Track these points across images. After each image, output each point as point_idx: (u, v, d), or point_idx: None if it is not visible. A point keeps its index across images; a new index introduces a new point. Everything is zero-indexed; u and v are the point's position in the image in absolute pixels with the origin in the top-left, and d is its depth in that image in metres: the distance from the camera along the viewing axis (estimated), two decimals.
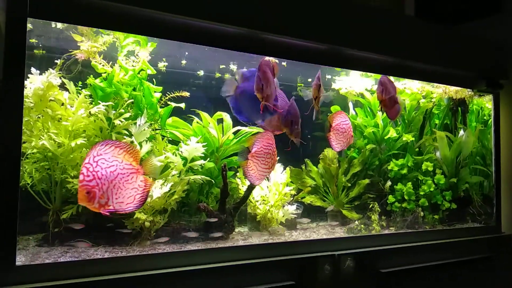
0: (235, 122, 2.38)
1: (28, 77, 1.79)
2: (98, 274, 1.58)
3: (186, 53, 2.40)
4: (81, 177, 1.49)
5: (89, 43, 1.98)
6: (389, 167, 2.79)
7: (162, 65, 2.30)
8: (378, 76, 2.81)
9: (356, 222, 2.50)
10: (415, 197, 2.70)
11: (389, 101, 2.43)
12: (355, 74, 2.85)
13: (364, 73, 2.81)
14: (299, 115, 2.16)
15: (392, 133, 2.89)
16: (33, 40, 1.99)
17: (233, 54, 2.31)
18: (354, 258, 2.16)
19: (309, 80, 2.83)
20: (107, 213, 1.50)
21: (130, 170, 1.57)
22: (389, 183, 2.74)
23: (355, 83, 2.86)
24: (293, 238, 2.29)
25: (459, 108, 3.18)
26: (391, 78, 2.53)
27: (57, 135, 1.85)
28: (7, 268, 1.45)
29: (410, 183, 2.71)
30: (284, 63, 2.43)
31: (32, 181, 1.84)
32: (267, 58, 2.01)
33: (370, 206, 2.59)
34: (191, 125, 2.33)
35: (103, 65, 2.03)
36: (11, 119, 1.48)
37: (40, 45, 2.03)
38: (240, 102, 1.96)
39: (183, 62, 2.42)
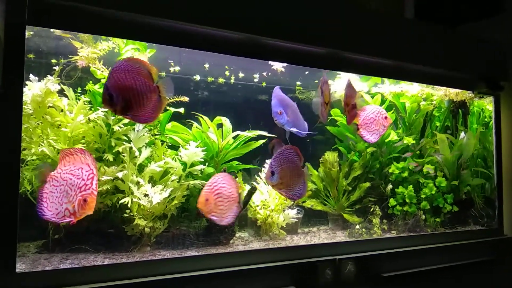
0: (235, 127, 2.38)
1: (26, 84, 1.80)
2: (98, 280, 1.58)
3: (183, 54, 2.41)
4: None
5: (89, 49, 1.99)
6: (390, 170, 2.78)
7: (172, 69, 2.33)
8: (378, 79, 2.82)
9: (357, 226, 2.49)
10: (416, 200, 2.69)
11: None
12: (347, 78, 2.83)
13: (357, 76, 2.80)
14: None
15: (393, 136, 2.88)
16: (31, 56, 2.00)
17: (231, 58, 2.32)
18: (355, 263, 2.15)
19: (299, 83, 2.86)
20: None
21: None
22: (390, 186, 2.73)
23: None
24: (294, 242, 2.28)
25: (460, 110, 3.17)
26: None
27: (56, 141, 1.86)
28: (7, 275, 1.45)
29: (411, 186, 2.70)
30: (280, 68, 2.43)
31: (32, 187, 1.84)
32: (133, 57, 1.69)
33: (371, 209, 2.58)
34: (190, 130, 2.32)
35: (102, 71, 2.03)
36: (10, 126, 1.48)
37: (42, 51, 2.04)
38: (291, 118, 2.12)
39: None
